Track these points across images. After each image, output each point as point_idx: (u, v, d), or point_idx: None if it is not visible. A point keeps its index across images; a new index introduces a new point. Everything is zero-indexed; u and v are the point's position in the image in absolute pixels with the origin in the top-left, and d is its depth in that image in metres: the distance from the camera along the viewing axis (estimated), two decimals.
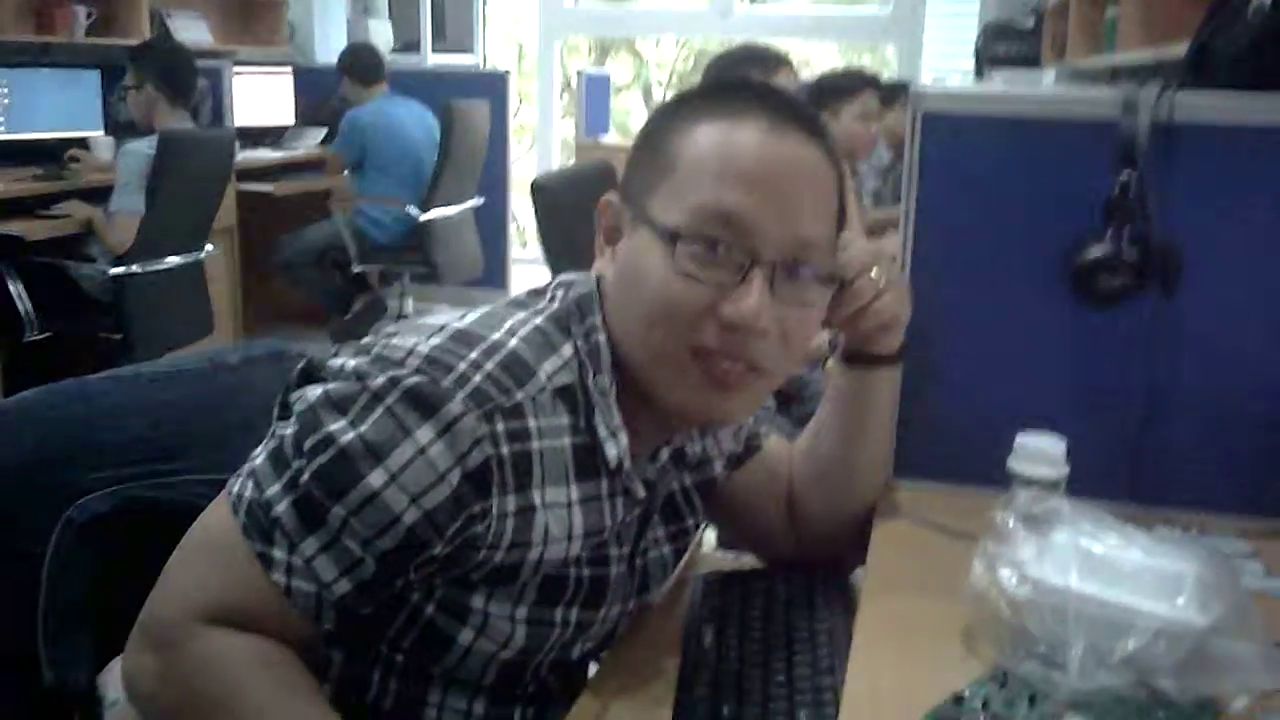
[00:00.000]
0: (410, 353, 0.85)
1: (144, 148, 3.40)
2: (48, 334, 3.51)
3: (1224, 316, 1.15)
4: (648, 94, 8.88)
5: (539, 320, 0.92)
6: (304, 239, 4.63)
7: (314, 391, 0.85)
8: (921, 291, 1.18)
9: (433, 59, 6.29)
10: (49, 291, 3.51)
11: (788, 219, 0.88)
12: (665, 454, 1.00)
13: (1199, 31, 1.40)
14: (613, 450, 0.92)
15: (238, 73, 4.76)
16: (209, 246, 3.79)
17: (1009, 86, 4.31)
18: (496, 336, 0.88)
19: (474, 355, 0.86)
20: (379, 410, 0.82)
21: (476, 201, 4.90)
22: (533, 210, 2.33)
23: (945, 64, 6.30)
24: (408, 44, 6.28)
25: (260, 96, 5.15)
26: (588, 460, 0.92)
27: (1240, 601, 0.79)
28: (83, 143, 4.15)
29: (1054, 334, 1.20)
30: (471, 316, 0.91)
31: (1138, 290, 1.13)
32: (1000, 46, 5.66)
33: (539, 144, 6.89)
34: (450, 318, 0.91)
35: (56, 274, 3.51)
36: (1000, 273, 1.20)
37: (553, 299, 0.96)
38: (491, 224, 5.29)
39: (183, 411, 1.05)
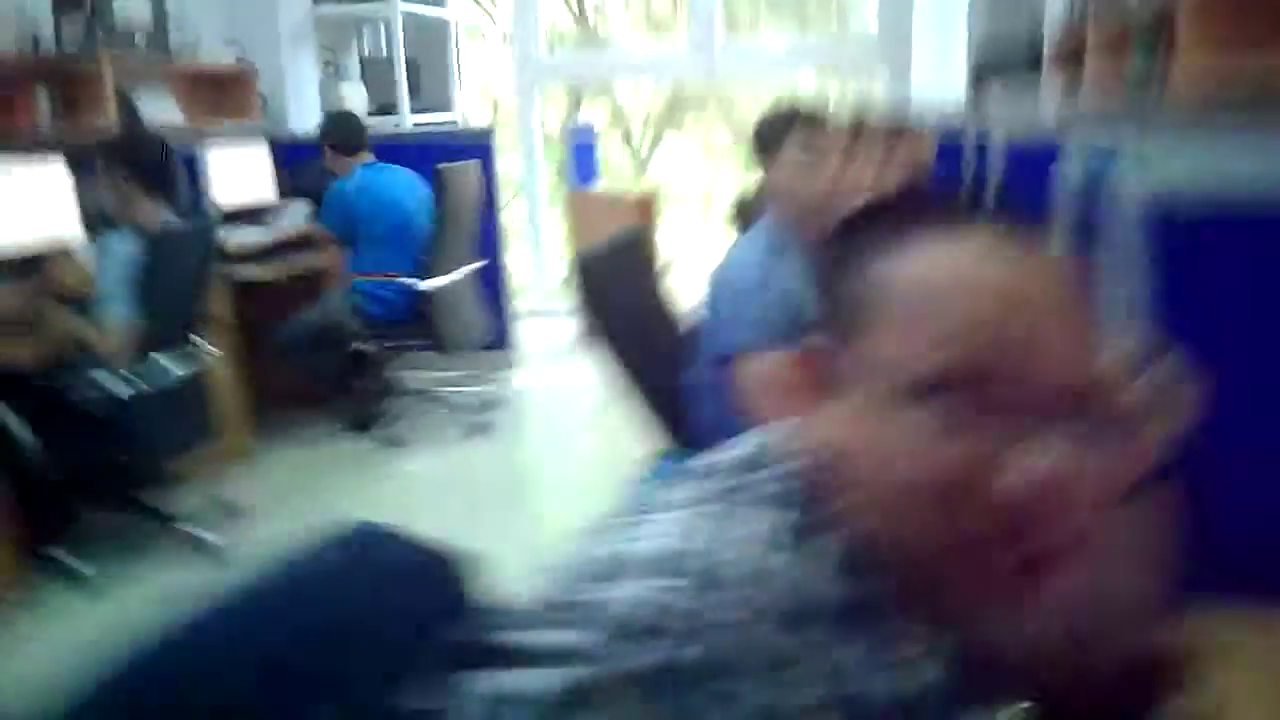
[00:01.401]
0: (665, 611, 0.60)
1: (126, 246, 3.14)
2: (61, 471, 3.22)
3: None
4: (627, 138, 8.69)
5: (787, 519, 0.67)
6: (300, 321, 4.37)
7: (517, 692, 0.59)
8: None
9: (411, 120, 6.06)
10: (52, 422, 3.23)
11: (1065, 354, 0.66)
12: None
13: None
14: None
15: (213, 151, 4.51)
16: (202, 341, 3.53)
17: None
18: (765, 563, 0.64)
19: (752, 594, 0.61)
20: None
21: (478, 264, 4.66)
22: (582, 288, 2.09)
23: (934, 79, 6.14)
24: (383, 106, 6.04)
25: (238, 174, 4.90)
26: None
27: None
28: (57, 245, 3.88)
29: None
30: (696, 529, 0.66)
31: None
32: (997, 55, 5.49)
33: (526, 198, 6.64)
34: (661, 538, 0.66)
35: (57, 400, 3.23)
36: None
37: (775, 481, 0.71)
38: (489, 284, 5.05)
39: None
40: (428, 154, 4.86)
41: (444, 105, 6.47)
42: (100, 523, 3.48)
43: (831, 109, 2.96)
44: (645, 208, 6.04)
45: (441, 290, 4.31)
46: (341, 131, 4.46)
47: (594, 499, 3.80)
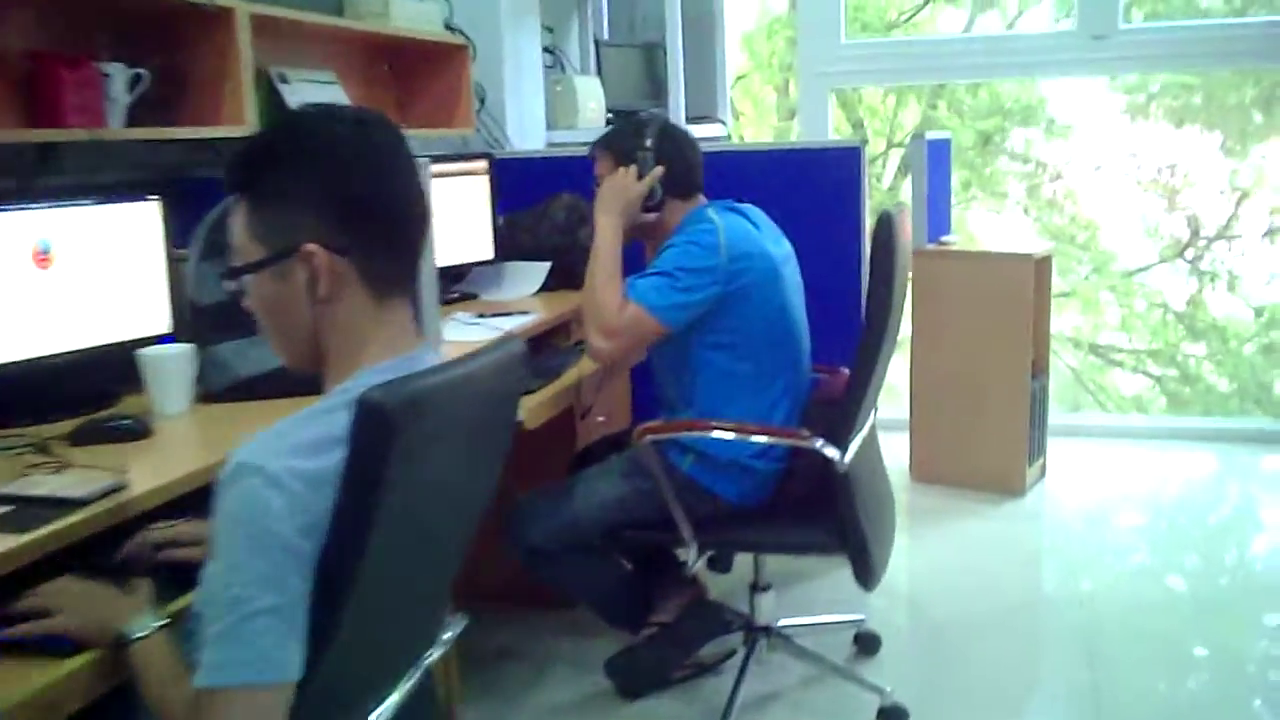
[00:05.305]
0: None
1: None
2: None
3: None
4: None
5: None
6: (575, 506, 2.27)
7: None
8: None
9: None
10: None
11: None
12: None
13: None
14: None
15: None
16: None
17: None
18: None
19: None
20: None
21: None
22: None
23: None
24: (623, 113, 3.96)
25: (456, 211, 2.88)
26: None
27: None
28: None
29: None
30: None
31: None
32: None
33: None
34: None
35: None
36: None
37: None
38: None
39: None
40: (766, 184, 2.79)
41: (709, 110, 4.39)
42: None
43: None
44: (1041, 275, 3.89)
45: (859, 459, 2.17)
46: (676, 156, 2.29)
47: None
